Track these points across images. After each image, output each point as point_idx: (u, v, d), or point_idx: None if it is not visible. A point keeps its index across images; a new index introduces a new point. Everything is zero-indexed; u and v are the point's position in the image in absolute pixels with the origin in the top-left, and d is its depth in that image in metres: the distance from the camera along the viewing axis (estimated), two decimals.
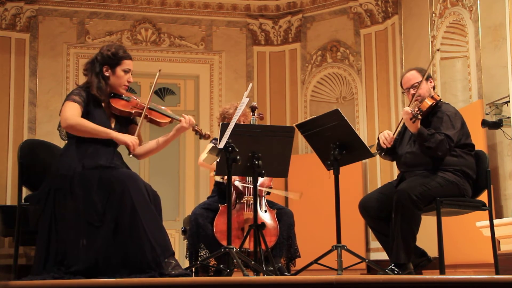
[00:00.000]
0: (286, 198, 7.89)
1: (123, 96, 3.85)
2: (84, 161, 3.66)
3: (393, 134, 4.35)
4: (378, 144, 4.39)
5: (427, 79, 4.39)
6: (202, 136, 3.97)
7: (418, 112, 4.10)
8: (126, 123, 3.89)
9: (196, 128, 3.96)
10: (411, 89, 4.38)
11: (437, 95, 4.39)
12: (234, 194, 4.85)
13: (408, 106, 4.28)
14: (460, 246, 5.77)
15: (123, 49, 3.87)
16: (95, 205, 3.55)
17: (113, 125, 3.81)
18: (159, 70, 3.97)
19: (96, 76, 3.80)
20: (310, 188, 7.59)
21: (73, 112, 3.66)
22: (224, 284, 3.05)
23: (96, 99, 3.78)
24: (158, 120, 3.87)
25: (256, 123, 4.90)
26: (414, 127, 4.14)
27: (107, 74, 3.81)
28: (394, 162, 4.60)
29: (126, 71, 3.83)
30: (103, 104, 3.81)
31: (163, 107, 3.97)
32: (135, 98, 3.89)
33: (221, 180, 4.93)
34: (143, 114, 3.80)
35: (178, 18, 8.46)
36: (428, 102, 4.28)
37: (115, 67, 3.81)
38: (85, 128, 3.67)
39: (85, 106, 3.72)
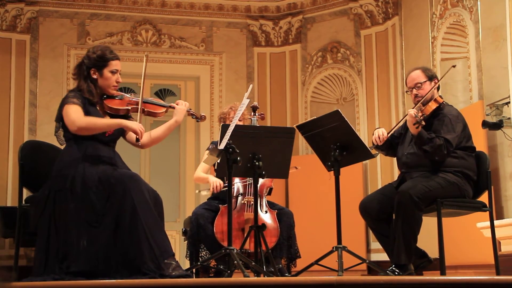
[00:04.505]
0: (287, 199, 7.89)
1: (115, 95, 3.88)
2: (85, 161, 3.67)
3: (387, 135, 4.38)
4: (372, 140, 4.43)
5: (431, 79, 4.39)
6: (198, 118, 4.03)
7: (422, 117, 4.11)
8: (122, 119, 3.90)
9: (191, 112, 4.02)
10: (414, 89, 4.39)
11: (440, 97, 4.39)
12: (234, 193, 4.86)
13: (414, 107, 4.29)
14: (460, 247, 5.77)
15: (109, 50, 3.87)
16: (94, 205, 3.56)
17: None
18: (146, 55, 4.00)
19: (85, 80, 3.82)
20: (311, 189, 7.60)
21: (78, 115, 3.68)
22: (225, 285, 3.05)
23: (90, 101, 3.80)
24: (154, 111, 3.91)
25: (257, 123, 4.91)
26: (415, 130, 4.15)
27: (94, 76, 3.83)
28: (395, 163, 4.61)
29: (113, 72, 3.84)
30: (97, 106, 3.84)
31: (155, 99, 4.02)
32: (126, 95, 3.93)
33: (206, 193, 5.04)
34: (139, 108, 3.84)
35: (178, 19, 8.46)
36: (432, 106, 4.29)
37: (102, 69, 3.82)
38: (96, 125, 3.70)
39: (83, 107, 3.74)
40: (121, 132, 3.91)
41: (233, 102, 5.34)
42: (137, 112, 3.85)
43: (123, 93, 3.95)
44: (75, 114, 3.67)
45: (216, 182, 4.86)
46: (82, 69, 3.85)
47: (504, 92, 5.60)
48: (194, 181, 5.38)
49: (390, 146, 4.51)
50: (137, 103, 3.85)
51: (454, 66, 4.51)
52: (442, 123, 4.25)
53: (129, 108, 3.85)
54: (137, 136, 3.75)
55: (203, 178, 5.07)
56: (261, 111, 5.07)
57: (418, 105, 4.30)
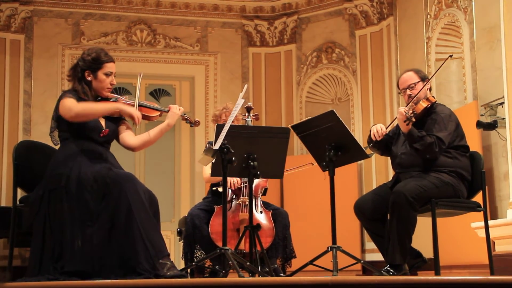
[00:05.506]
0: (282, 199, 7.89)
1: (109, 98, 3.88)
2: (80, 160, 3.66)
3: (386, 129, 4.37)
4: (369, 136, 4.41)
5: (424, 80, 4.40)
6: (192, 123, 4.02)
7: (412, 115, 4.12)
8: (115, 121, 3.91)
9: (185, 116, 4.00)
10: (408, 90, 4.40)
11: (433, 96, 4.40)
12: (230, 193, 4.86)
13: (405, 106, 4.29)
14: (455, 247, 5.78)
15: (104, 52, 3.89)
16: (88, 204, 3.55)
17: (103, 123, 3.83)
18: (140, 74, 4.02)
19: (79, 82, 3.83)
20: (305, 189, 7.60)
21: (74, 103, 3.70)
22: (220, 285, 3.05)
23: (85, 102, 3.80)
24: (148, 114, 3.92)
25: (252, 124, 4.91)
26: (406, 128, 4.16)
27: (89, 78, 3.83)
28: (390, 164, 4.61)
29: (107, 74, 3.85)
30: None
31: (150, 102, 4.02)
32: (121, 98, 3.93)
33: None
34: (135, 106, 3.83)
35: (173, 19, 8.46)
36: (423, 104, 4.30)
37: (97, 71, 3.83)
38: (93, 109, 3.72)
39: None
40: (116, 134, 3.91)
41: (227, 102, 5.32)
42: None
43: (118, 96, 3.95)
44: (70, 103, 3.70)
45: (233, 179, 4.83)
46: (77, 71, 3.86)
47: (499, 93, 5.61)
48: (205, 182, 5.25)
49: (386, 145, 4.52)
50: (131, 105, 3.85)
51: (451, 56, 4.52)
52: (434, 122, 4.26)
53: None
54: (134, 121, 3.75)
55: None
56: (256, 111, 5.08)
57: (410, 104, 4.31)
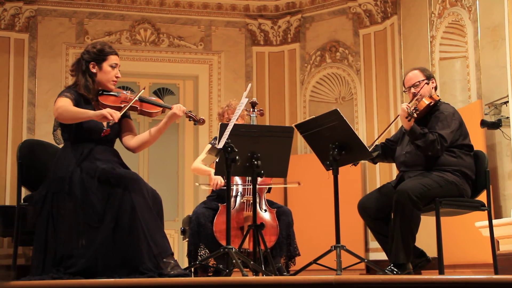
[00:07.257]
0: (285, 197, 7.89)
1: (112, 92, 3.85)
2: (82, 162, 3.65)
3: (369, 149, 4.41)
4: None
5: (429, 79, 4.41)
6: (196, 121, 3.94)
7: (414, 111, 4.13)
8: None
9: (190, 114, 3.92)
10: (412, 88, 4.41)
11: (437, 95, 4.41)
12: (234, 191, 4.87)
13: (408, 103, 4.30)
14: (459, 246, 5.78)
15: (108, 45, 3.88)
16: (94, 206, 3.55)
17: (104, 123, 3.79)
18: (143, 88, 4.02)
19: (83, 75, 3.80)
20: (309, 188, 7.60)
21: (64, 103, 3.66)
22: (223, 284, 3.04)
23: (85, 98, 3.78)
24: (149, 110, 3.86)
25: (256, 119, 4.91)
26: (408, 124, 4.17)
27: (94, 70, 3.81)
28: (393, 163, 4.62)
29: (113, 66, 3.83)
30: (93, 102, 3.81)
31: (153, 98, 3.96)
32: (124, 92, 3.89)
33: (206, 188, 5.02)
34: (131, 104, 3.79)
35: (177, 18, 8.46)
36: (426, 101, 4.30)
37: (102, 62, 3.81)
38: (71, 113, 3.62)
39: (76, 105, 3.71)
40: (117, 133, 3.90)
41: (231, 100, 5.31)
42: (133, 110, 3.82)
43: (122, 90, 3.92)
44: (61, 102, 3.66)
45: (217, 179, 4.86)
46: (81, 63, 3.83)
47: (503, 91, 5.60)
48: (192, 171, 5.29)
49: (384, 154, 4.54)
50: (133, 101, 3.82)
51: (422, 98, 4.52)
52: (437, 120, 4.26)
53: (122, 105, 3.79)
54: (108, 121, 3.62)
55: (204, 171, 5.05)
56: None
57: (413, 101, 4.32)
